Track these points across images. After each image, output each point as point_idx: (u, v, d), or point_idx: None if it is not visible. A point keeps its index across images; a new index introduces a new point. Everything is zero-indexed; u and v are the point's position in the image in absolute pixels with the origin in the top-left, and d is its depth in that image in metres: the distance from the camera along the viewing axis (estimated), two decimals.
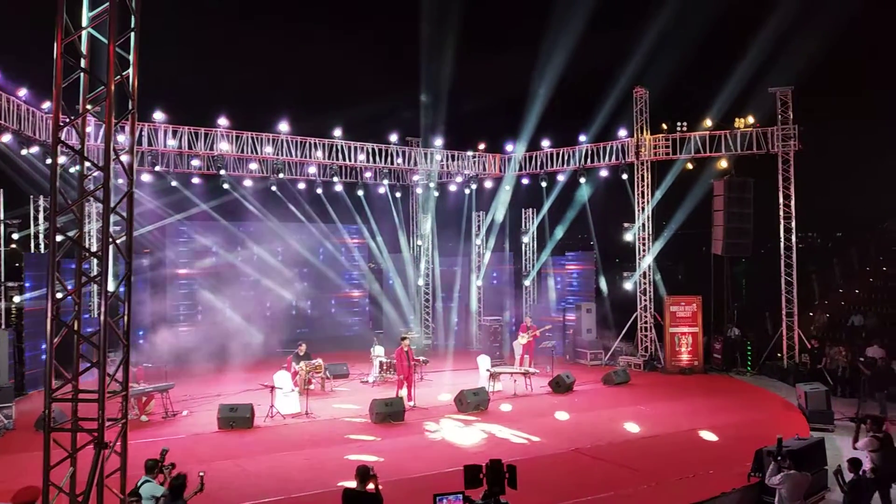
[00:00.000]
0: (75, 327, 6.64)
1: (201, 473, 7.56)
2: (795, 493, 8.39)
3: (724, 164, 20.99)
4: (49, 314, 6.36)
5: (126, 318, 6.86)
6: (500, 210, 25.20)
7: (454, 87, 22.42)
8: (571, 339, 23.01)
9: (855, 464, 8.90)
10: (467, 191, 25.45)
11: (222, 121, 20.27)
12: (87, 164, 7.20)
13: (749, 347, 21.09)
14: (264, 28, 28.47)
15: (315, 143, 21.76)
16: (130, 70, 7.23)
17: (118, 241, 6.98)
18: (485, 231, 26.06)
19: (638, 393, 17.92)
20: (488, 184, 25.45)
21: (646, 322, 22.08)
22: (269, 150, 20.98)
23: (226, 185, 21.32)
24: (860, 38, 26.36)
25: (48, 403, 6.40)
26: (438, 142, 23.79)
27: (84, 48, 7.15)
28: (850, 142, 28.36)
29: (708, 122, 21.02)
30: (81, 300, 6.82)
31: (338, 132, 22.00)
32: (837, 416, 14.34)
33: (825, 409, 14.51)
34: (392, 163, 23.28)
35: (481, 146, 25.01)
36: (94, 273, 16.14)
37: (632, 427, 14.19)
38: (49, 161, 16.97)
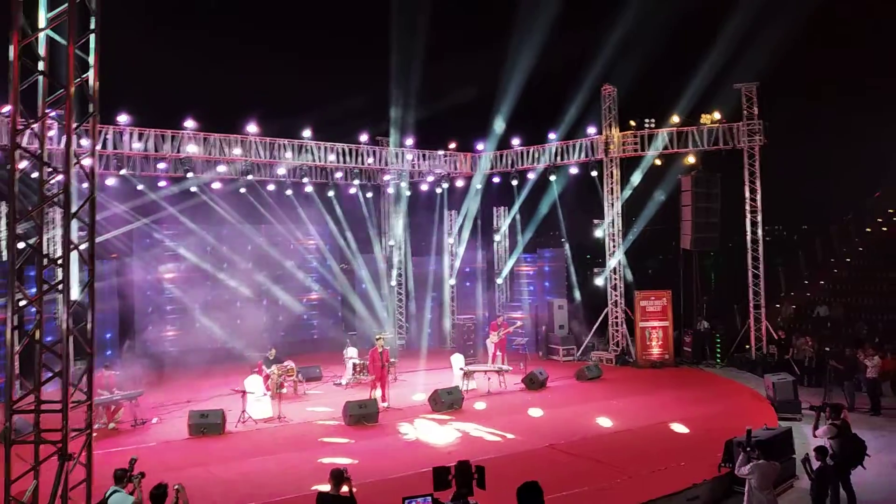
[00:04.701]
0: (37, 336, 6.49)
1: (177, 487, 7.41)
2: (765, 482, 8.54)
3: (691, 159, 21.26)
4: (9, 324, 6.22)
5: (90, 325, 6.73)
6: (471, 208, 25.25)
7: (424, 86, 22.38)
8: (544, 336, 23.13)
9: (821, 452, 9.10)
10: (439, 190, 25.45)
11: (189, 122, 19.95)
12: (47, 169, 7.05)
13: (718, 340, 21.42)
14: (230, 27, 28.10)
15: (284, 144, 21.53)
16: (91, 72, 7.09)
17: (81, 248, 6.85)
18: (457, 230, 26.08)
19: (610, 388, 18.09)
20: (460, 182, 25.46)
21: (617, 317, 22.27)
22: (237, 151, 20.71)
23: (194, 188, 21.02)
24: (823, 34, 26.91)
25: (9, 415, 6.25)
26: (409, 141, 23.73)
27: (42, 50, 6.99)
28: (814, 136, 28.95)
29: (675, 119, 21.26)
30: (43, 308, 6.66)
31: (307, 133, 21.83)
32: (804, 406, 14.63)
33: (793, 398, 14.81)
34: (363, 163, 23.14)
35: (452, 145, 25.00)
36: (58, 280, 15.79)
37: (605, 422, 14.32)
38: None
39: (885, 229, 26.20)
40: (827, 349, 17.76)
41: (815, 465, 9.04)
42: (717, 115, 20.97)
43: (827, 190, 29.06)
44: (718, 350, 21.31)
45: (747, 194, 20.98)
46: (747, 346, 21.01)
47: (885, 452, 11.85)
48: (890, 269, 23.37)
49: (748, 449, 8.79)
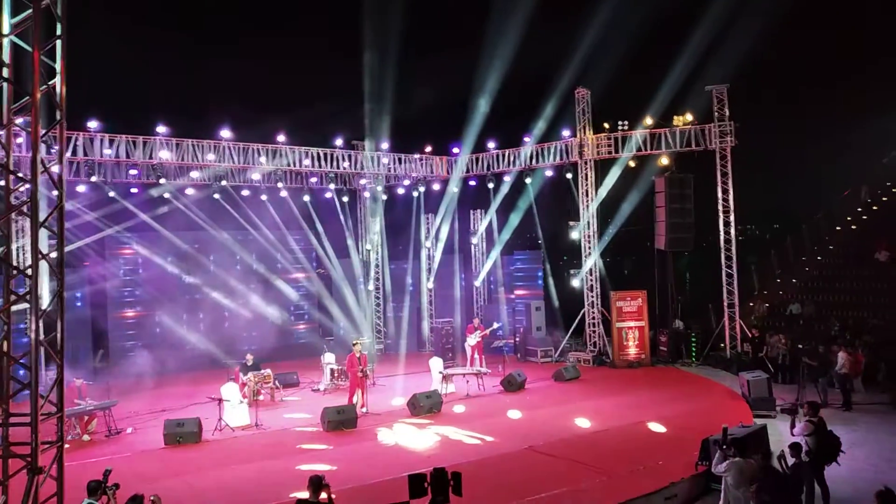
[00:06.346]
0: (4, 347, 6.35)
1: (153, 498, 7.31)
2: (741, 479, 8.62)
3: (664, 161, 21.48)
4: None
5: (59, 335, 6.61)
6: (448, 212, 25.26)
7: (399, 90, 22.33)
8: (522, 338, 23.20)
9: (796, 448, 9.22)
10: (415, 193, 25.44)
11: (161, 128, 19.71)
12: (14, 177, 6.91)
13: (693, 339, 21.64)
14: (202, 31, 27.84)
15: (258, 149, 21.36)
16: (57, 79, 6.97)
17: (51, 256, 6.72)
18: (434, 233, 26.07)
19: (588, 388, 18.19)
20: (436, 186, 25.47)
21: (593, 318, 22.42)
22: (210, 157, 20.50)
23: (166, 195, 20.76)
24: (792, 37, 27.35)
25: None
26: (385, 145, 23.69)
27: (7, 56, 6.87)
28: (784, 137, 29.43)
29: (648, 121, 21.49)
30: (11, 319, 6.53)
31: (281, 137, 21.68)
32: (779, 403, 14.82)
33: (767, 396, 15.00)
34: (338, 167, 23.05)
35: (428, 148, 25.01)
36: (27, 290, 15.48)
37: (583, 422, 14.39)
38: None
39: (853, 227, 26.64)
40: (800, 346, 18.04)
41: (791, 461, 9.16)
42: (689, 117, 21.23)
43: (797, 189, 29.56)
44: (694, 349, 21.56)
45: (720, 194, 21.26)
46: (722, 345, 21.26)
47: (858, 447, 12.04)
48: (859, 266, 23.79)
49: (724, 447, 8.88)
